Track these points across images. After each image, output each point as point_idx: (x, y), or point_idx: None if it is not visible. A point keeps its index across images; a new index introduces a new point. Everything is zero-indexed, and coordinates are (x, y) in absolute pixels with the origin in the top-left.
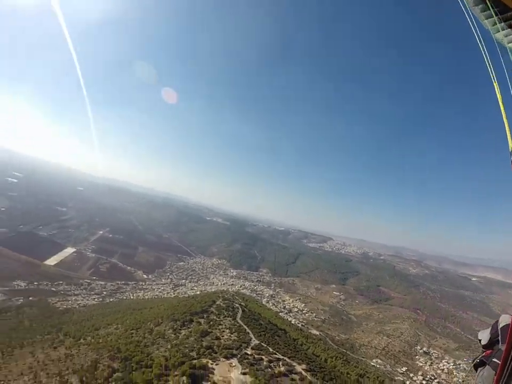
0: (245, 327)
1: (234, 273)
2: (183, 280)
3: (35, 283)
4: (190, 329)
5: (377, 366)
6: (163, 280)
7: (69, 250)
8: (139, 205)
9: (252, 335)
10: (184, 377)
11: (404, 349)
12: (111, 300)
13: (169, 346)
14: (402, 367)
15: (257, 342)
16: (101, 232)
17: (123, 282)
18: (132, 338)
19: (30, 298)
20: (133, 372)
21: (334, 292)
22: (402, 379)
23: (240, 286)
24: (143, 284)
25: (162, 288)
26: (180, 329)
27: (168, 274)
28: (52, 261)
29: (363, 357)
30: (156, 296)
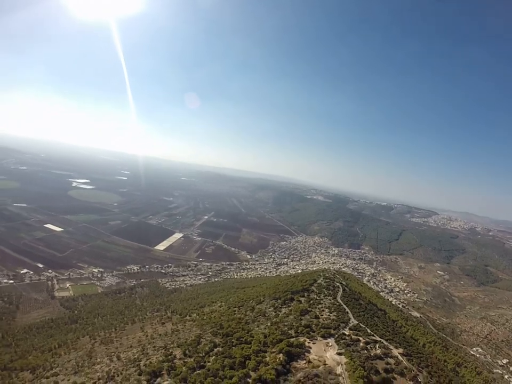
0: (345, 306)
1: (336, 251)
2: (285, 259)
3: (146, 266)
4: (290, 308)
5: (477, 355)
6: (266, 260)
7: (177, 236)
8: (241, 189)
9: (350, 315)
10: (281, 355)
11: (507, 338)
12: (216, 279)
13: (269, 324)
14: (503, 359)
15: (356, 322)
16: (206, 217)
17: (227, 262)
18: (234, 316)
19: (142, 280)
20: (233, 347)
21: (438, 271)
22: (501, 372)
23: (342, 265)
24: (247, 263)
25: (265, 267)
26: (281, 308)
27: (271, 253)
28: (161, 246)
29: (463, 344)
30: (258, 275)
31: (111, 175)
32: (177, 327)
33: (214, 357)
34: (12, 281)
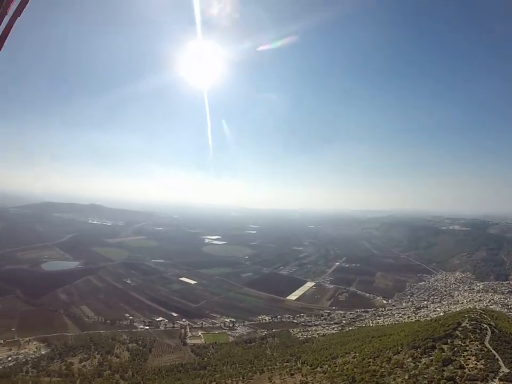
0: (494, 352)
1: (481, 286)
2: (425, 302)
3: (278, 316)
4: (431, 357)
5: None
6: (403, 304)
7: (309, 285)
8: (372, 230)
9: (501, 362)
10: None
11: None
12: (350, 328)
13: (406, 377)
14: None
15: (507, 370)
16: (337, 263)
17: (362, 309)
18: (369, 368)
19: (273, 330)
20: None
21: None
22: None
23: (489, 301)
24: (383, 309)
25: (402, 313)
26: (420, 358)
27: (409, 296)
28: (293, 296)
29: None
30: (396, 322)
31: (241, 230)
32: (307, 378)
33: None
34: (147, 327)
